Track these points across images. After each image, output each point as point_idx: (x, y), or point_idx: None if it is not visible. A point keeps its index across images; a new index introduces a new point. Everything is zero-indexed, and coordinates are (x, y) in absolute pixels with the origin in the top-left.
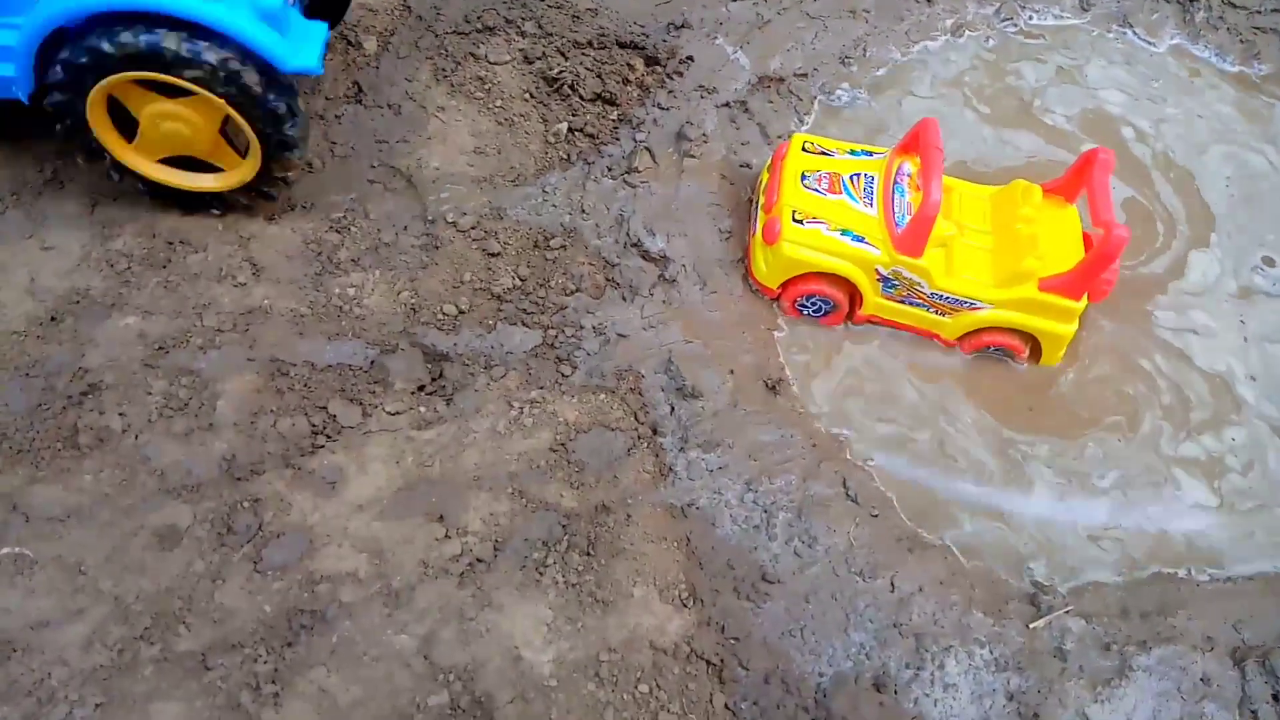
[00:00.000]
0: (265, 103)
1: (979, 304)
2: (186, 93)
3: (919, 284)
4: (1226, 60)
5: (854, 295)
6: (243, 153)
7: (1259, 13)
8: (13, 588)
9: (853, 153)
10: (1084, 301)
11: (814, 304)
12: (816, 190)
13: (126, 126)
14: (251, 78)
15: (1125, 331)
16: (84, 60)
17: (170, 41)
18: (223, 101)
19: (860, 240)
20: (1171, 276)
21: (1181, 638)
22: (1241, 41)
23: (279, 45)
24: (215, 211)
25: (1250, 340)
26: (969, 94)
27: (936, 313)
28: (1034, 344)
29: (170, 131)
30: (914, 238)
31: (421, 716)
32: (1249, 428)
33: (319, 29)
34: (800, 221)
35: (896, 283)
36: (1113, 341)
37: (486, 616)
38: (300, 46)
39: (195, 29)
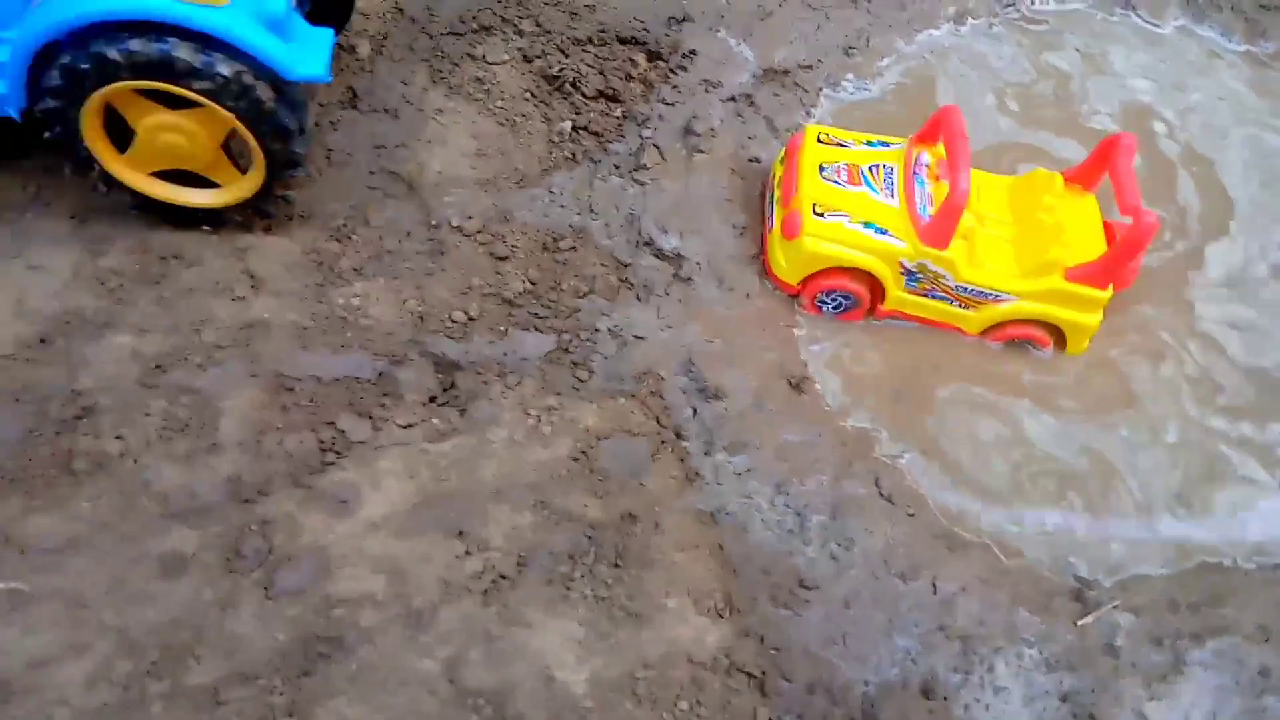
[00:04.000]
0: (276, 118)
1: (1004, 296)
2: (187, 104)
3: (944, 276)
4: (1232, 40)
5: (875, 290)
6: (243, 168)
7: None
8: (9, 625)
9: (869, 143)
10: (1110, 290)
11: (834, 300)
12: (836, 182)
13: (116, 138)
14: (265, 92)
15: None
16: (86, 67)
17: (182, 51)
18: (231, 115)
19: (884, 233)
20: (1190, 266)
21: (1235, 628)
22: (1246, 20)
23: (285, 53)
24: (206, 228)
25: None
26: (988, 83)
27: (960, 305)
28: (1058, 334)
29: (169, 144)
30: (941, 229)
31: None
32: None
33: (325, 35)
34: (821, 215)
35: (921, 276)
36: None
37: (514, 635)
38: (307, 54)
39: (204, 39)
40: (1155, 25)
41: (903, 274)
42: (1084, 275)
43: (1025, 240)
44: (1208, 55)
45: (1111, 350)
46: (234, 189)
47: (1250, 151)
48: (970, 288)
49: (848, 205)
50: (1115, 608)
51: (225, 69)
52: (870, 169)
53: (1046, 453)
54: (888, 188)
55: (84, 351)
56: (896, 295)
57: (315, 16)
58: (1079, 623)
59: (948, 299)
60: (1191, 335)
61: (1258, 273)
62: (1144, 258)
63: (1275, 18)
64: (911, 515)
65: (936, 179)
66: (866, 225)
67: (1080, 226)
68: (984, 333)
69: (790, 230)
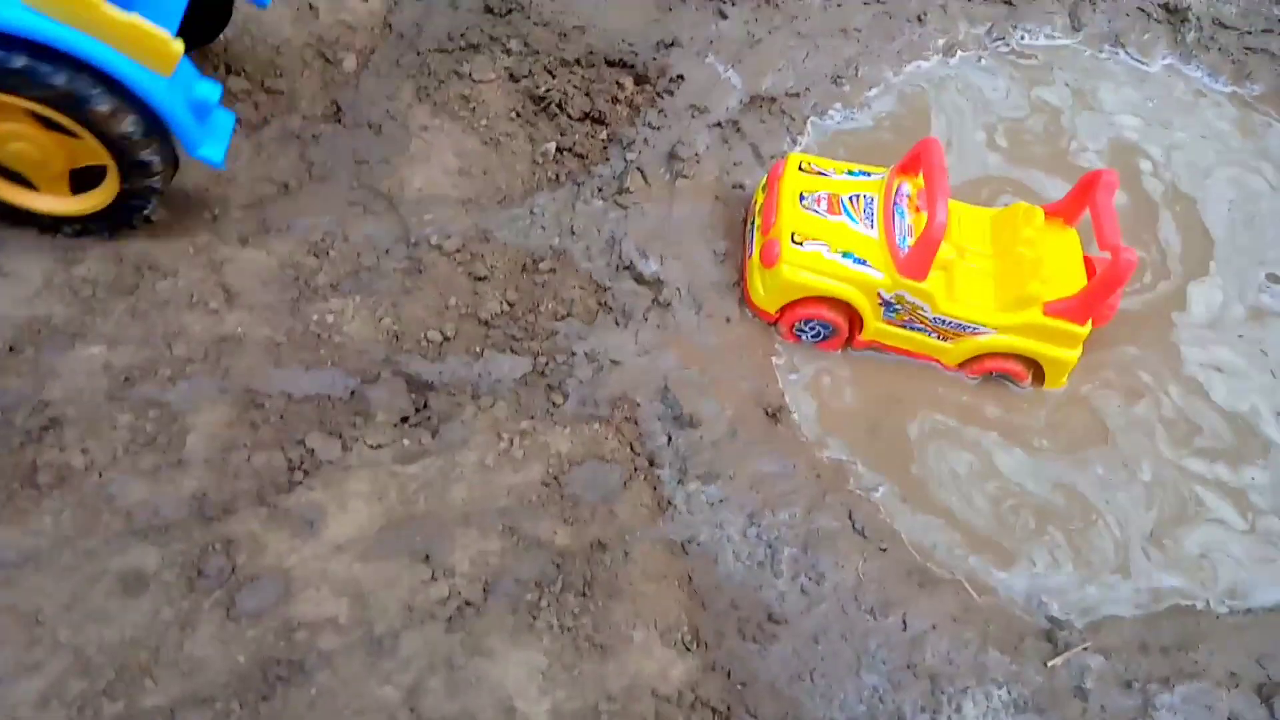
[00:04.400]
0: (149, 167)
1: (982, 329)
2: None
3: (922, 308)
4: (1219, 81)
5: (853, 320)
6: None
7: (1249, 33)
8: None
9: (850, 173)
10: (1089, 326)
11: (813, 329)
12: (816, 211)
13: None
14: (152, 149)
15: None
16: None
17: (104, 103)
18: (108, 154)
19: (862, 263)
20: (1173, 307)
21: (1205, 674)
22: (1233, 62)
23: (195, 132)
24: (67, 231)
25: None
26: (978, 116)
27: (938, 338)
28: (1036, 368)
29: (20, 151)
30: (919, 260)
31: None
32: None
33: (228, 121)
34: (800, 244)
35: (899, 307)
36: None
37: (476, 664)
38: (212, 138)
39: (125, 92)
40: (1143, 64)
41: (881, 305)
42: (1062, 310)
43: (1005, 273)
44: (1194, 95)
45: (1087, 387)
46: (69, 201)
47: (1233, 191)
48: (948, 320)
49: (827, 235)
50: (1086, 649)
51: (135, 127)
52: (850, 199)
53: (1022, 488)
54: (867, 218)
55: (53, 362)
56: (874, 326)
57: (191, 25)
58: (1049, 664)
59: (926, 330)
60: (1175, 378)
61: (1236, 314)
62: (1127, 299)
63: (1261, 60)
64: (884, 550)
65: (917, 210)
66: (845, 255)
67: (1060, 261)
68: (962, 365)
69: (768, 258)
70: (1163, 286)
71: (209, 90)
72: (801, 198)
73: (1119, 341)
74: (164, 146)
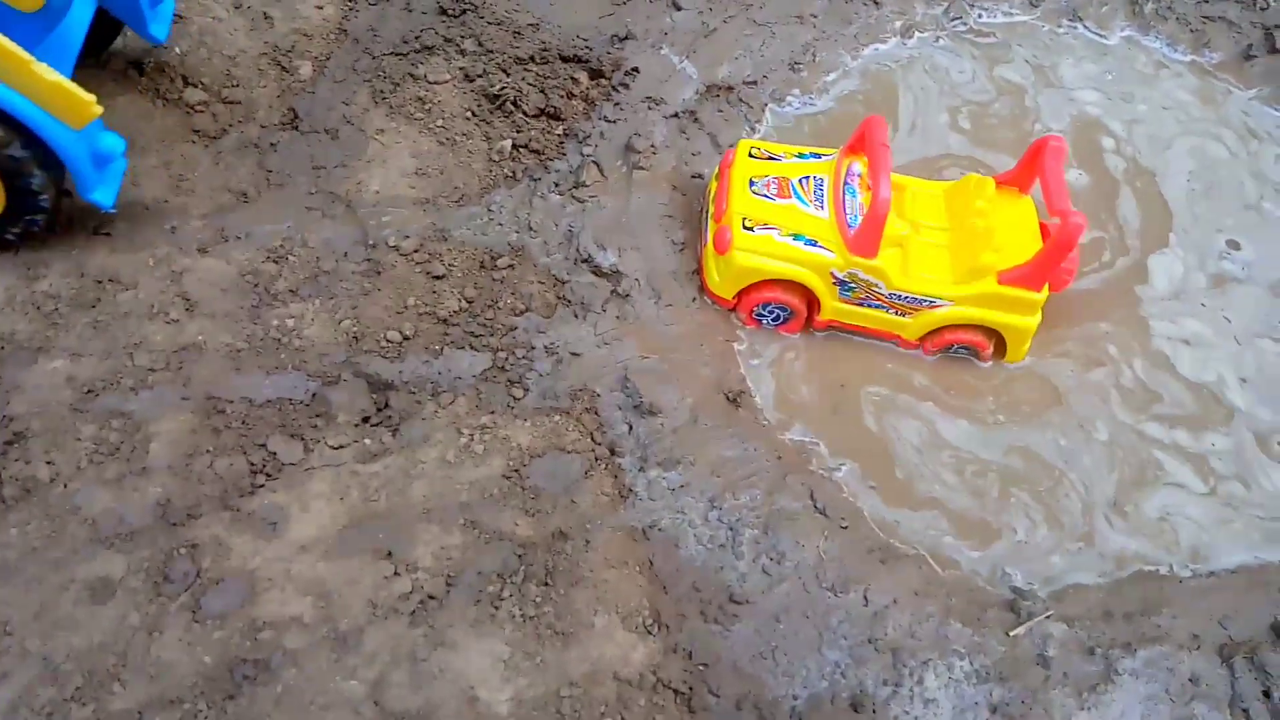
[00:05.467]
0: (35, 191)
1: (939, 302)
2: None
3: (876, 285)
4: (1178, 50)
5: (812, 301)
6: None
7: (1206, 1)
8: None
9: (801, 155)
10: (1045, 293)
11: (772, 312)
12: (765, 196)
13: None
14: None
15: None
16: None
17: (15, 147)
18: None
19: (813, 244)
20: (1135, 281)
21: (1167, 637)
22: (1191, 31)
23: (92, 179)
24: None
25: (1243, 341)
26: (938, 96)
27: (897, 314)
28: (998, 340)
29: None
30: (867, 238)
31: None
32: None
33: (120, 169)
34: (750, 229)
35: (854, 285)
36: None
37: (439, 657)
38: (106, 184)
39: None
40: (1102, 37)
41: (835, 284)
42: (1017, 278)
43: (959, 245)
44: (1155, 66)
45: (1055, 360)
46: None
47: (1193, 161)
48: (904, 295)
49: (777, 218)
50: (1049, 617)
51: (35, 170)
52: (800, 181)
53: (984, 459)
54: (818, 199)
55: (16, 377)
56: (831, 305)
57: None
58: (1011, 633)
59: (884, 307)
60: (1143, 352)
61: (1197, 283)
62: (1088, 278)
63: (1220, 28)
64: (845, 528)
65: (868, 189)
66: (796, 238)
67: (1015, 229)
68: (923, 339)
69: (721, 245)
70: (1121, 263)
71: (113, 143)
72: (751, 183)
73: (1086, 319)
74: (57, 191)
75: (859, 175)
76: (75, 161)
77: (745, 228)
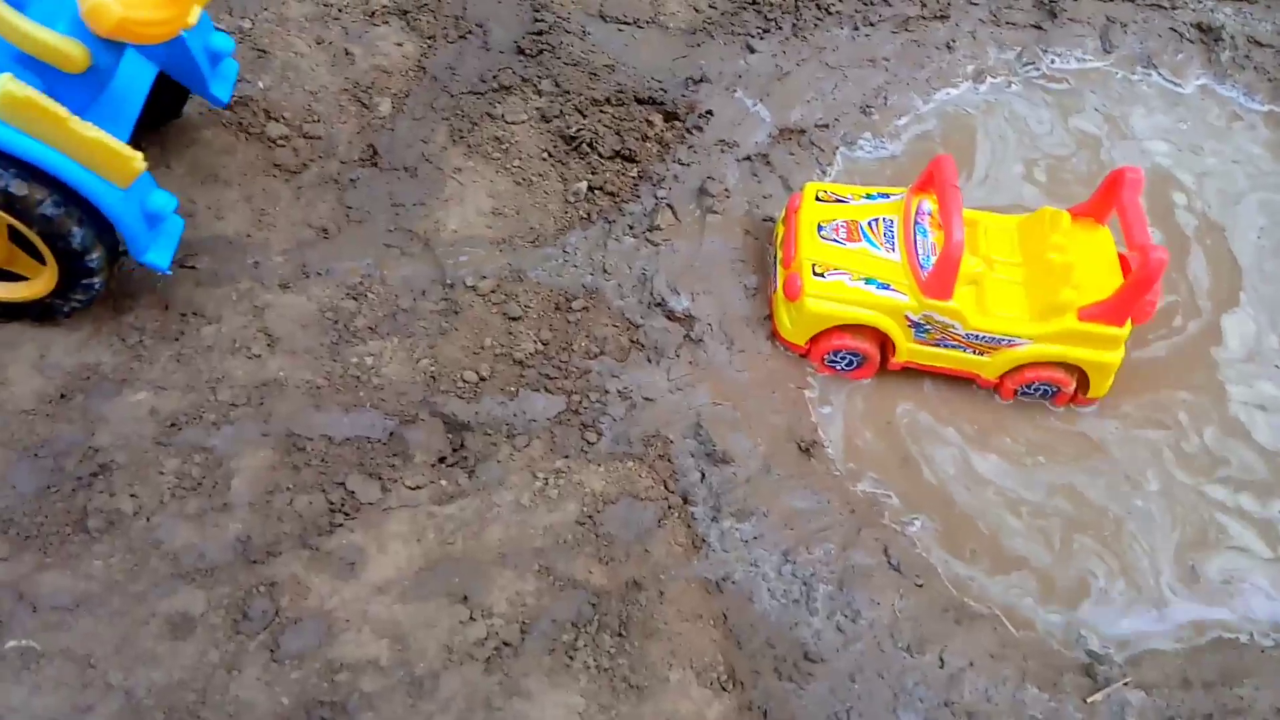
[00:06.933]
0: (85, 257)
1: (1018, 340)
2: None
3: (952, 326)
4: (1255, 99)
5: (885, 344)
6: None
7: None
8: (19, 684)
9: (869, 196)
10: (1128, 327)
11: (844, 358)
12: (835, 240)
13: None
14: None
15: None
16: None
17: (48, 207)
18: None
19: (886, 288)
20: (1210, 343)
21: (1250, 710)
22: (1269, 80)
23: (145, 239)
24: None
25: None
26: (1008, 139)
27: (975, 353)
28: (1080, 376)
29: None
30: (941, 280)
31: None
32: None
33: (177, 228)
34: (821, 274)
35: (929, 327)
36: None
37: (515, 706)
38: (160, 244)
39: (76, 198)
40: (1177, 85)
41: (910, 327)
42: (1098, 314)
43: (1036, 282)
44: (1228, 117)
45: (1127, 423)
46: (34, 283)
47: (1263, 217)
48: (982, 335)
49: (848, 263)
50: (1126, 684)
51: (83, 234)
52: (870, 224)
53: (1058, 512)
54: (888, 241)
55: (101, 408)
56: (907, 347)
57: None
58: (1088, 700)
59: (961, 347)
60: (1219, 418)
61: (1269, 344)
62: (1161, 344)
63: None
64: (920, 585)
65: (939, 227)
66: (868, 281)
67: (1093, 262)
68: (1002, 379)
69: (792, 292)
70: (1193, 326)
71: (164, 201)
72: (820, 228)
73: (1163, 386)
74: (109, 253)
75: (929, 214)
76: (124, 220)
77: (816, 274)
